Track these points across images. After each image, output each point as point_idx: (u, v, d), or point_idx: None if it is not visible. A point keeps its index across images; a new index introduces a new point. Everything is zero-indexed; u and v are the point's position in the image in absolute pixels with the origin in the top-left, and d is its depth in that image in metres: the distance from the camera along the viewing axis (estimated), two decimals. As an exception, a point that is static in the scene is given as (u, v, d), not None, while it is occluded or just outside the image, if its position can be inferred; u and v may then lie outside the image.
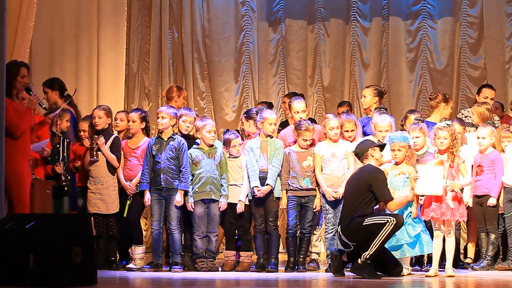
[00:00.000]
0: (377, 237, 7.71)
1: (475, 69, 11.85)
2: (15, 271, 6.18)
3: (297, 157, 8.69)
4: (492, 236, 8.79)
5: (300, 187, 8.64)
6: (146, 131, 9.20)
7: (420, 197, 8.24)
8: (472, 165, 8.90)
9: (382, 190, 7.90)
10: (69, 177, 9.07)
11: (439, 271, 8.06)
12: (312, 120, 9.67)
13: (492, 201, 8.76)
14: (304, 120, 8.82)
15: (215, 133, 8.93)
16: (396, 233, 7.91)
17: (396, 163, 8.20)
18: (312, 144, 8.80)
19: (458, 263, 8.82)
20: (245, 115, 9.32)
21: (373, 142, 8.22)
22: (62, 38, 11.00)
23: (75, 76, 10.97)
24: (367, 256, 7.72)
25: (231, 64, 12.12)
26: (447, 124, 8.15)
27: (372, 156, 8.01)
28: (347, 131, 8.82)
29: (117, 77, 11.24)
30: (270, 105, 10.41)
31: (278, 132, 9.58)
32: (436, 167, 7.93)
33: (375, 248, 7.71)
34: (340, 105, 10.70)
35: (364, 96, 9.66)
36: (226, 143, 8.91)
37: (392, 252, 8.00)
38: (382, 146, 8.17)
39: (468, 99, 11.55)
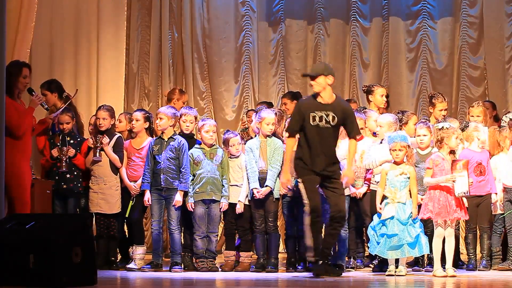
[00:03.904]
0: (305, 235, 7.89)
1: (475, 69, 11.85)
2: (15, 271, 6.19)
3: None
4: (485, 235, 8.78)
5: (292, 187, 8.59)
6: (150, 131, 9.20)
7: (421, 198, 8.28)
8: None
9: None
10: (74, 172, 9.02)
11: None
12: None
13: (495, 197, 8.74)
14: None
15: (213, 133, 8.91)
16: (398, 233, 7.92)
17: (396, 163, 8.20)
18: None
19: (457, 263, 8.82)
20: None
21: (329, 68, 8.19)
22: (62, 38, 10.99)
23: (75, 76, 10.96)
24: (311, 255, 7.86)
25: (231, 64, 12.12)
26: (444, 126, 8.18)
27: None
28: None
29: (117, 77, 11.24)
30: (270, 105, 10.42)
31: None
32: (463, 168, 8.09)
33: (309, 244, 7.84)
34: (348, 102, 10.66)
35: (386, 96, 9.70)
36: (225, 143, 8.93)
37: (392, 252, 8.00)
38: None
39: (468, 99, 11.53)
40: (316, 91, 8.03)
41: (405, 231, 8.01)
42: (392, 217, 8.01)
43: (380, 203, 8.15)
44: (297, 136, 8.11)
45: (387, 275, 7.98)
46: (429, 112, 9.74)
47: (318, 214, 7.92)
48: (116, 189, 9.03)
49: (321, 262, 7.94)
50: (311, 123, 7.96)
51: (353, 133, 8.12)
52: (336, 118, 7.99)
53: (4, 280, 6.19)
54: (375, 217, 8.15)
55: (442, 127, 8.18)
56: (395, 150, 8.16)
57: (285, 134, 8.31)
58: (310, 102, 8.09)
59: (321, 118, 7.96)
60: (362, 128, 8.80)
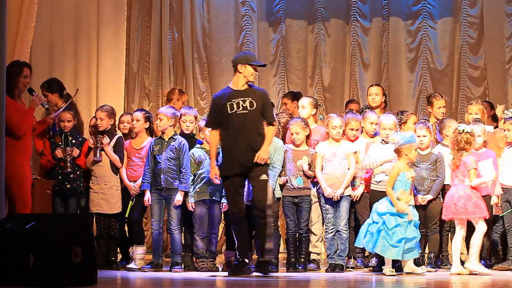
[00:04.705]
0: None
1: (475, 69, 11.85)
2: (15, 271, 6.19)
3: (293, 155, 8.68)
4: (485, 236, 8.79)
5: (292, 187, 8.61)
6: (150, 132, 9.21)
7: (422, 198, 8.33)
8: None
9: None
10: (78, 172, 9.03)
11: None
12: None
13: (495, 199, 8.74)
14: (300, 117, 8.87)
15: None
16: (416, 235, 8.04)
17: (411, 164, 8.28)
18: (309, 145, 8.80)
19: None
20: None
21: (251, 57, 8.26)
22: (62, 38, 10.98)
23: (75, 76, 10.96)
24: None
25: (231, 64, 12.08)
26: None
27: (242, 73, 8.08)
28: (352, 129, 8.80)
29: (117, 77, 11.23)
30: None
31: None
32: None
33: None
34: (351, 102, 10.68)
35: (376, 94, 9.72)
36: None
37: (408, 254, 8.05)
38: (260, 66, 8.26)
39: (468, 99, 11.52)
40: (251, 80, 8.13)
41: (416, 232, 8.08)
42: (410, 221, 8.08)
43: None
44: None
45: (407, 273, 8.06)
46: (428, 112, 9.75)
47: (239, 218, 8.02)
48: (117, 189, 9.04)
49: (261, 260, 7.94)
50: (229, 111, 7.99)
51: (271, 119, 8.11)
52: (254, 103, 8.00)
53: (4, 280, 6.19)
54: (391, 218, 8.08)
55: (470, 130, 8.21)
56: (416, 149, 8.20)
57: (207, 130, 8.37)
58: (225, 92, 8.17)
59: (238, 104, 8.00)
60: (357, 129, 8.83)
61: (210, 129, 8.21)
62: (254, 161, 7.90)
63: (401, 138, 8.18)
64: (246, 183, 8.19)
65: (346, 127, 8.78)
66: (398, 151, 8.17)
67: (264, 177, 7.99)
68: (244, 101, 8.00)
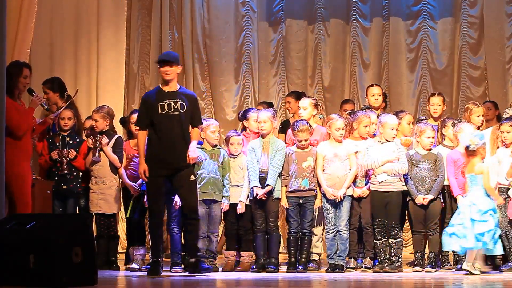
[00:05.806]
0: None
1: (475, 69, 11.86)
2: (15, 271, 6.19)
3: (297, 157, 8.67)
4: None
5: (298, 188, 8.63)
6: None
7: (422, 197, 8.34)
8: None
9: None
10: (74, 173, 9.03)
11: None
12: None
13: None
14: (300, 120, 8.82)
15: (219, 133, 8.93)
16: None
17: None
18: (311, 144, 8.80)
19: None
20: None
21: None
22: (62, 38, 10.99)
23: (75, 76, 10.97)
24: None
25: (231, 64, 12.12)
26: None
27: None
28: (367, 126, 8.77)
29: (117, 77, 11.24)
30: (270, 105, 10.42)
31: (282, 132, 9.65)
32: None
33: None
34: (346, 103, 10.68)
35: (379, 95, 9.72)
36: (226, 141, 8.94)
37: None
38: None
39: (468, 99, 11.53)
40: (169, 78, 8.06)
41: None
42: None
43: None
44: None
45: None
46: (427, 110, 9.74)
47: (157, 218, 8.06)
48: (116, 189, 9.03)
49: (194, 260, 7.97)
50: (160, 112, 7.95)
51: (198, 123, 8.15)
52: (185, 105, 8.00)
53: (4, 280, 6.19)
54: (495, 215, 8.15)
55: None
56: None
57: (136, 128, 8.36)
58: (156, 92, 8.12)
59: (169, 106, 7.97)
60: (366, 126, 8.82)
61: (138, 128, 8.16)
62: (188, 162, 7.92)
63: (480, 139, 8.26)
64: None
65: (359, 126, 8.74)
66: (474, 152, 8.24)
67: (192, 177, 8.03)
68: (175, 103, 7.98)
